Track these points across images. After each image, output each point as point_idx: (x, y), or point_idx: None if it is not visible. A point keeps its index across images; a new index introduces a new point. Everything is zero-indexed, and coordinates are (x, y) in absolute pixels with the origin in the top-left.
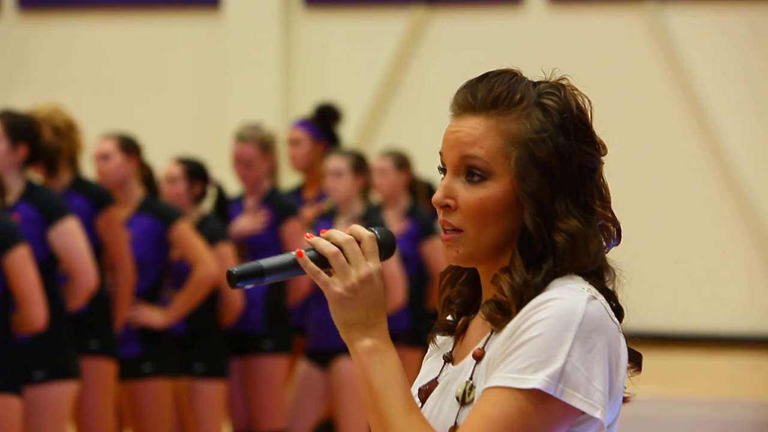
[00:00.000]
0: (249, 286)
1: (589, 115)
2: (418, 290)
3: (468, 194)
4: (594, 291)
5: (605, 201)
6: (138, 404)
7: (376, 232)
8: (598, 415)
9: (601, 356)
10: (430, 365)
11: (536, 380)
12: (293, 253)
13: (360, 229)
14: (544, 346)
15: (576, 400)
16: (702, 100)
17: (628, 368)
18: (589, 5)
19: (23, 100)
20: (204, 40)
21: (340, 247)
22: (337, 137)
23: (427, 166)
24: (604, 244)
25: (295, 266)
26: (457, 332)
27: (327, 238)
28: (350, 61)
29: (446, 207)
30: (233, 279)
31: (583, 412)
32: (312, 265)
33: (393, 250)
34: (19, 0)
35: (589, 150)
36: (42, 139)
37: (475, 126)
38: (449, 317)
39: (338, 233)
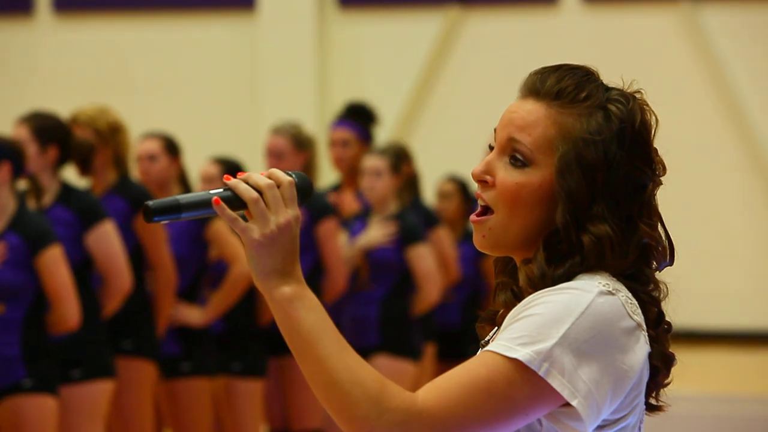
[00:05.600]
0: (165, 222)
1: (652, 134)
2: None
3: (507, 175)
4: (614, 287)
5: (652, 219)
6: (177, 403)
7: (294, 176)
8: (575, 403)
9: (597, 350)
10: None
11: (522, 352)
12: (212, 192)
13: (279, 174)
14: (541, 324)
15: (556, 382)
16: (737, 99)
17: (659, 372)
18: (624, 5)
19: (59, 103)
20: (239, 42)
21: (260, 192)
22: (371, 136)
23: (462, 166)
24: (654, 263)
25: (212, 206)
26: (498, 322)
27: (246, 181)
28: (385, 62)
29: (483, 182)
30: (150, 213)
31: (566, 400)
32: (229, 212)
33: (309, 195)
34: (53, 2)
35: (641, 166)
36: (72, 139)
37: (532, 111)
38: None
39: (258, 177)
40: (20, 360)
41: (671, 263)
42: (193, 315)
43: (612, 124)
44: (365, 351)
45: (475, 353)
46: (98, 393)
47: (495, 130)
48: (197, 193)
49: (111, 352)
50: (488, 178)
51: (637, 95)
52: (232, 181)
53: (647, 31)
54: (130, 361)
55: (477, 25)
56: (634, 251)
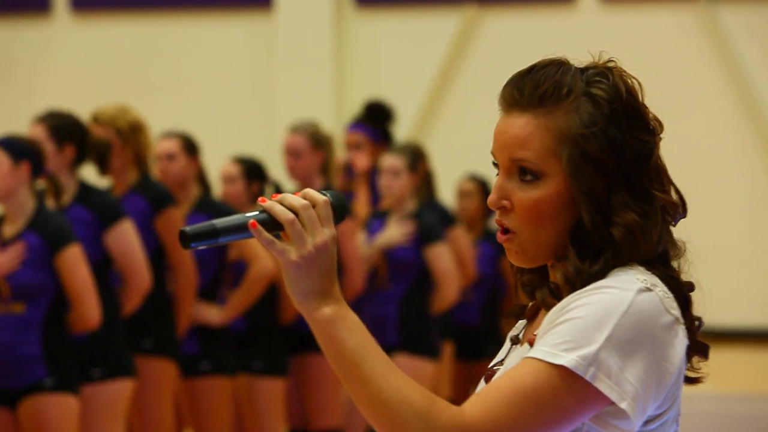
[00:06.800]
0: (202, 247)
1: (640, 97)
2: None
3: (523, 195)
4: (651, 282)
5: (664, 182)
6: (196, 402)
7: (329, 195)
8: (624, 405)
9: (640, 350)
10: (503, 348)
11: (567, 358)
12: (247, 215)
13: (314, 193)
14: (584, 327)
15: (604, 386)
16: (755, 98)
17: (696, 359)
18: (641, 4)
19: (76, 102)
20: (256, 41)
21: (295, 213)
22: (390, 136)
23: (479, 165)
24: (672, 222)
25: (248, 229)
26: (528, 316)
27: (281, 202)
28: (402, 60)
29: (502, 208)
30: (187, 239)
31: (612, 401)
32: (266, 235)
33: (345, 214)
34: (71, 1)
35: (642, 137)
36: (89, 138)
37: (522, 126)
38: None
39: (293, 197)
40: (41, 359)
41: (684, 215)
42: (213, 314)
43: (602, 109)
44: (384, 350)
45: (495, 353)
46: (119, 392)
47: (492, 153)
48: (233, 216)
49: (131, 351)
50: (506, 203)
51: (611, 65)
52: (268, 203)
53: (664, 29)
54: (150, 360)
55: (494, 24)
56: (657, 226)
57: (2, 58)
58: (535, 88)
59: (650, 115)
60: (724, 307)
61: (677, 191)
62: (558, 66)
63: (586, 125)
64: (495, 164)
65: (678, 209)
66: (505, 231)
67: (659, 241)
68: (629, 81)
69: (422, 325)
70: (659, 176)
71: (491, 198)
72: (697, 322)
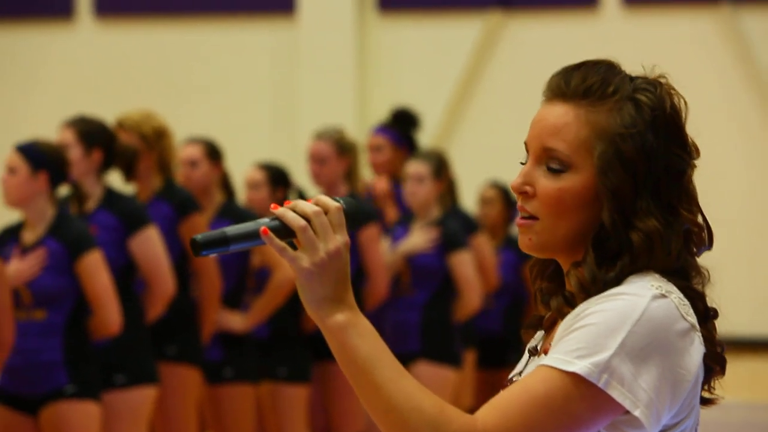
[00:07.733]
0: (213, 255)
1: (683, 117)
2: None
3: (547, 183)
4: (666, 289)
5: (692, 205)
6: (219, 409)
7: (342, 202)
8: (637, 413)
9: (654, 356)
10: (522, 359)
11: (579, 365)
12: (259, 221)
13: (326, 200)
14: (597, 334)
15: (617, 393)
16: None
17: (713, 371)
18: (664, 9)
19: (100, 107)
20: (279, 47)
21: (307, 219)
22: (414, 143)
23: (502, 171)
24: (694, 249)
25: (260, 236)
26: (545, 327)
27: (293, 209)
28: (425, 66)
29: (524, 193)
30: (198, 247)
31: (626, 409)
32: (278, 241)
33: (360, 220)
34: (95, 7)
35: (677, 152)
36: (117, 144)
37: (562, 115)
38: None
39: (305, 204)
40: (62, 365)
41: (710, 247)
42: (235, 321)
43: (644, 114)
44: (406, 357)
45: (517, 361)
46: (142, 399)
47: (525, 143)
48: (244, 224)
49: (155, 357)
50: (528, 188)
51: (662, 80)
52: (280, 210)
53: (687, 35)
54: (174, 366)
55: (518, 30)
56: (678, 241)
57: (27, 63)
58: (582, 81)
59: (689, 138)
60: (724, 314)
61: (705, 220)
62: (608, 66)
63: (626, 126)
64: (523, 162)
65: (703, 237)
66: (524, 217)
67: (678, 256)
68: (676, 98)
69: (445, 332)
70: (688, 198)
71: (515, 182)
72: (719, 348)
